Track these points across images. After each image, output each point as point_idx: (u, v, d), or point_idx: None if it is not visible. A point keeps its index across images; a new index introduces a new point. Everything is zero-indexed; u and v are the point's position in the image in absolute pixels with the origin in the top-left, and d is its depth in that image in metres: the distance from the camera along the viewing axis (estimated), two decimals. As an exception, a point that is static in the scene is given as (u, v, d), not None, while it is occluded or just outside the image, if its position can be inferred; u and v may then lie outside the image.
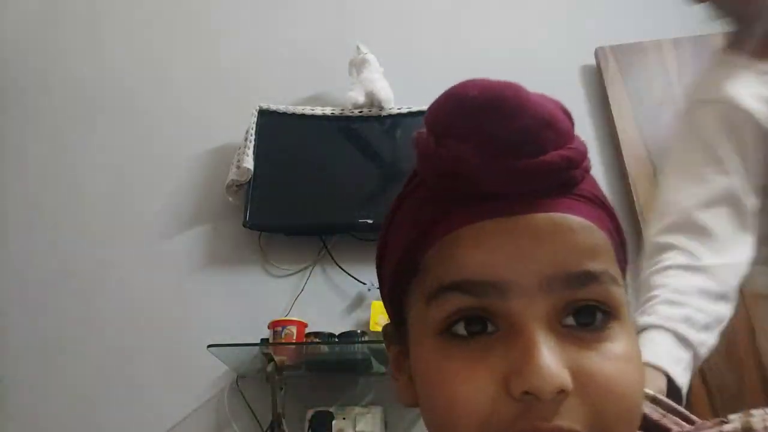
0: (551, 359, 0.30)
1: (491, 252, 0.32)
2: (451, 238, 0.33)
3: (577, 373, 0.30)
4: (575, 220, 0.33)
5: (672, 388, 0.68)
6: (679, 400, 0.65)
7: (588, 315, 0.32)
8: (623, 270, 0.37)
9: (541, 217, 0.33)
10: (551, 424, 0.30)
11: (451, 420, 0.31)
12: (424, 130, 0.36)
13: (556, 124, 0.33)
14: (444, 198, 0.35)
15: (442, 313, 0.33)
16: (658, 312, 0.74)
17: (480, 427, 0.30)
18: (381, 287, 0.42)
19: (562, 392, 0.29)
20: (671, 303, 0.74)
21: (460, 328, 0.32)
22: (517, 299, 0.31)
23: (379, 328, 1.41)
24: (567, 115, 0.36)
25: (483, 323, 0.32)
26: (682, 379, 0.69)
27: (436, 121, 0.34)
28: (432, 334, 0.33)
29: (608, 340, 0.32)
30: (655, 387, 0.66)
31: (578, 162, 0.34)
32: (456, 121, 0.33)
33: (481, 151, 0.32)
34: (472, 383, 0.31)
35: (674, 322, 0.72)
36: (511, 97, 0.32)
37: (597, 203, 0.35)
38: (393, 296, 0.39)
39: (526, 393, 0.29)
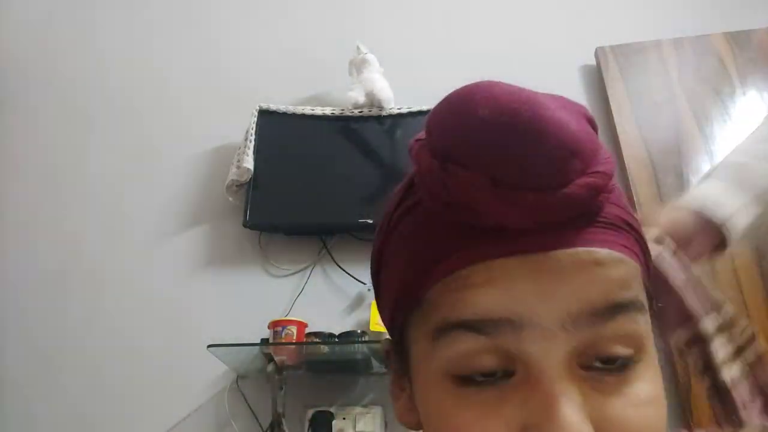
0: (574, 413, 0.27)
1: (507, 289, 0.28)
2: (462, 274, 0.29)
3: (599, 424, 0.28)
4: (602, 253, 0.29)
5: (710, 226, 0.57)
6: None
7: (611, 359, 0.29)
8: (649, 294, 0.33)
9: (563, 253, 0.29)
10: None
11: None
12: (422, 138, 0.32)
13: (583, 148, 0.29)
14: (449, 227, 0.30)
15: (452, 353, 0.30)
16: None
17: None
18: (378, 301, 0.39)
19: None
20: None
21: (474, 376, 0.29)
22: (534, 341, 0.28)
23: (380, 328, 1.41)
24: (591, 123, 0.32)
25: (498, 367, 0.29)
26: (724, 210, 0.57)
27: (440, 141, 0.30)
28: (441, 375, 0.30)
29: (633, 381, 0.30)
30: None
31: (604, 188, 0.29)
32: (464, 146, 0.29)
33: (494, 183, 0.28)
34: (489, 429, 0.28)
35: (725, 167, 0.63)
36: (529, 119, 0.28)
37: (624, 227, 0.31)
38: (393, 322, 0.35)
39: None
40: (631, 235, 0.32)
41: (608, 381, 0.29)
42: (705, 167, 1.71)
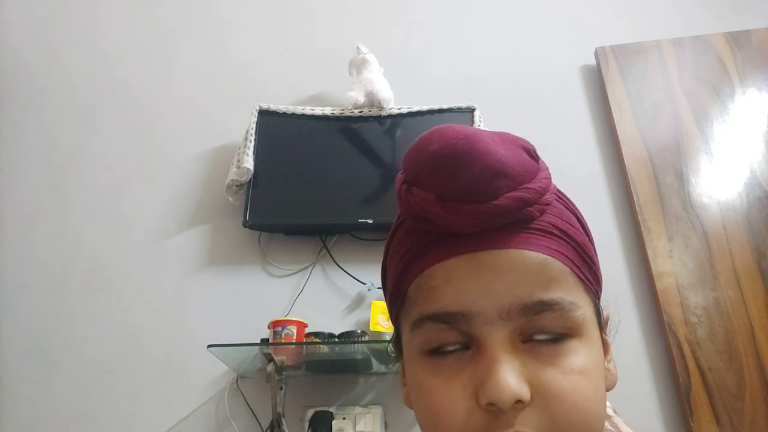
0: (509, 374, 0.35)
1: (459, 288, 0.37)
2: (427, 274, 0.39)
3: (536, 386, 0.35)
4: (530, 255, 0.37)
5: None
6: None
7: (549, 333, 0.37)
8: (592, 287, 0.41)
9: (499, 253, 0.37)
10: (517, 427, 0.34)
11: (435, 429, 0.37)
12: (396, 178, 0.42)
13: (507, 171, 0.37)
14: (420, 236, 0.40)
15: (423, 341, 0.39)
16: None
17: (457, 430, 0.36)
18: (386, 299, 0.47)
19: (519, 402, 0.34)
20: None
21: (441, 348, 0.38)
22: (481, 326, 0.36)
23: (380, 328, 1.42)
24: (529, 153, 0.40)
25: (461, 343, 0.38)
26: None
27: (407, 170, 0.40)
28: (418, 353, 0.39)
29: (566, 354, 0.37)
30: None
31: (533, 200, 0.38)
32: (420, 172, 0.38)
33: (440, 198, 0.37)
34: (449, 397, 0.36)
35: None
36: (464, 150, 0.37)
37: (556, 234, 0.39)
38: (391, 317, 0.45)
39: (490, 404, 0.34)
40: (564, 241, 0.40)
41: (544, 352, 0.37)
42: (705, 167, 1.71)
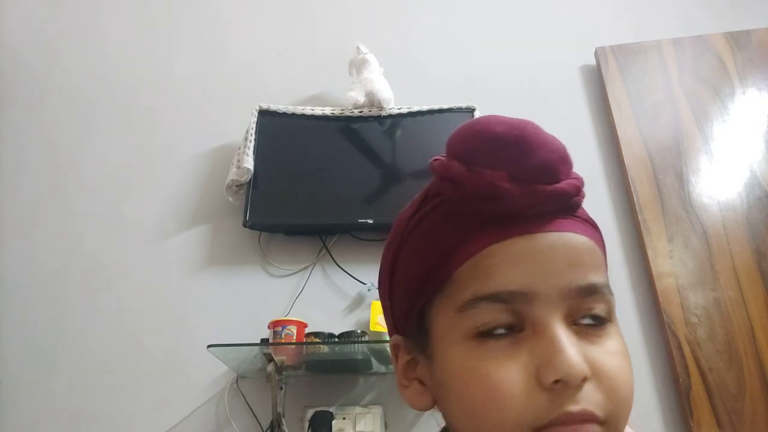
0: (575, 352, 0.35)
1: (521, 267, 0.37)
2: (484, 254, 0.38)
3: (590, 365, 0.36)
4: (580, 239, 0.39)
5: None
6: None
7: (593, 317, 0.39)
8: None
9: (557, 235, 0.39)
10: (580, 408, 0.35)
11: (491, 412, 0.36)
12: (440, 157, 0.42)
13: (567, 158, 0.40)
14: (469, 218, 0.40)
15: (478, 321, 0.37)
16: None
17: (518, 418, 0.35)
18: (391, 302, 0.46)
19: (584, 380, 0.35)
20: None
21: (492, 332, 0.37)
22: (542, 306, 0.37)
23: (380, 328, 1.41)
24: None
25: (511, 327, 0.37)
26: None
27: (466, 151, 0.40)
28: (464, 338, 0.38)
29: (607, 337, 0.39)
30: None
31: (580, 190, 0.40)
32: (487, 153, 0.39)
33: (510, 178, 0.38)
34: (508, 379, 0.36)
35: None
36: (533, 134, 0.39)
37: (591, 224, 0.42)
38: (411, 310, 0.43)
39: (556, 382, 0.35)
40: (596, 230, 0.42)
41: (591, 333, 0.38)
42: (705, 167, 1.71)
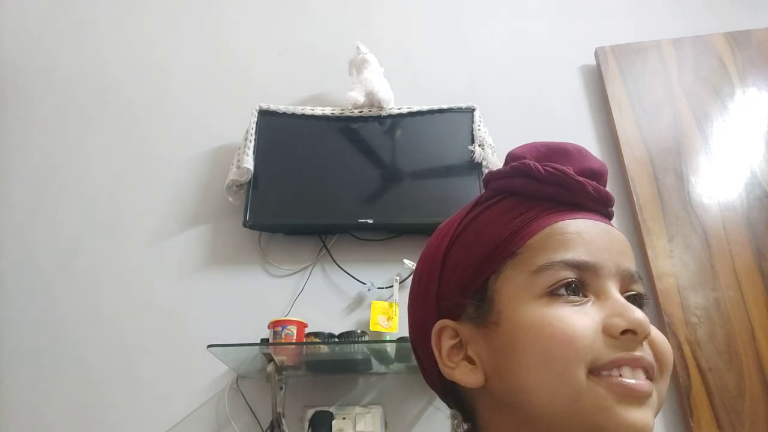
0: (641, 312, 0.41)
1: (590, 242, 0.44)
2: (559, 226, 0.45)
3: None
4: (623, 236, 0.48)
5: None
6: None
7: (635, 296, 0.46)
8: None
9: (609, 226, 0.47)
10: (645, 355, 0.41)
11: (567, 349, 0.40)
12: (495, 171, 0.50)
13: (607, 173, 0.51)
14: (541, 201, 0.47)
15: (552, 280, 0.42)
16: None
17: (586, 350, 0.40)
18: (440, 287, 0.49)
19: (647, 336, 0.41)
20: None
21: (562, 291, 0.42)
22: (606, 277, 0.43)
23: (380, 328, 1.42)
24: None
25: (577, 291, 0.43)
26: None
27: (539, 155, 0.49)
28: (536, 296, 0.43)
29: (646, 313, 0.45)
30: None
31: (614, 203, 0.50)
32: (556, 156, 0.49)
33: (577, 173, 0.47)
34: (581, 320, 0.41)
35: None
36: (585, 150, 0.50)
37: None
38: (472, 284, 0.47)
39: (624, 333, 0.40)
40: None
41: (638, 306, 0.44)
42: (705, 167, 1.71)
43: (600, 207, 0.48)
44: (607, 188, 0.49)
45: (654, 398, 0.40)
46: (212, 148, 1.82)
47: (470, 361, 0.46)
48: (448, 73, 1.95)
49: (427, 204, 1.62)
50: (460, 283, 0.47)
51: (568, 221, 0.45)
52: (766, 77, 1.82)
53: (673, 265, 1.58)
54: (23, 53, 2.04)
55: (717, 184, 1.68)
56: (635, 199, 1.67)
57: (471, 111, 1.75)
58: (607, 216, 0.49)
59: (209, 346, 1.33)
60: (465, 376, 0.46)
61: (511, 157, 0.50)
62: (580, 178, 0.47)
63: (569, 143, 0.49)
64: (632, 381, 0.39)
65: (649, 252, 1.60)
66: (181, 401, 1.48)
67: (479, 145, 1.68)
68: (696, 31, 1.96)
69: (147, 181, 1.79)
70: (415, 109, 1.75)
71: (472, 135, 1.71)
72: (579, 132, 1.85)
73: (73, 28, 2.08)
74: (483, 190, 0.52)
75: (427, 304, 0.50)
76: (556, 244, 0.44)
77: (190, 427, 1.46)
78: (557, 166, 0.47)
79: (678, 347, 1.47)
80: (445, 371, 0.47)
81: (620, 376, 0.40)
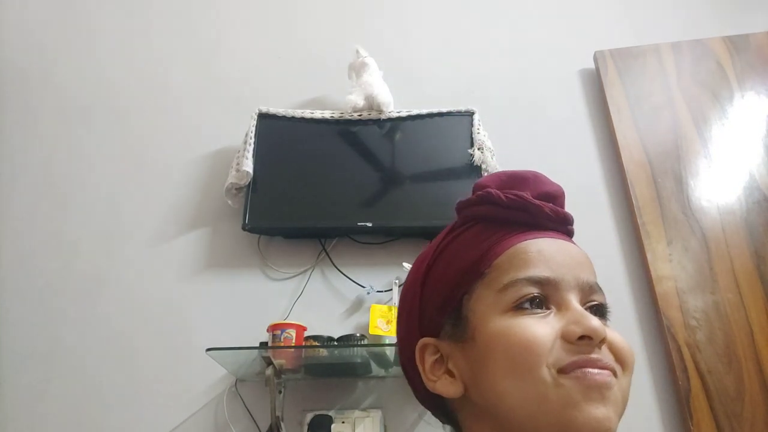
0: (597, 320, 0.45)
1: (550, 259, 0.48)
2: (521, 246, 0.49)
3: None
4: (582, 251, 0.51)
5: None
6: None
7: (596, 306, 0.49)
8: None
9: (568, 242, 0.51)
10: (601, 357, 0.44)
11: (529, 355, 0.43)
12: (465, 198, 0.55)
13: (564, 196, 0.55)
14: (504, 226, 0.51)
15: (517, 296, 0.46)
16: None
17: (546, 354, 0.43)
18: (422, 305, 0.53)
19: (603, 341, 0.44)
20: None
21: (526, 305, 0.46)
22: (565, 291, 0.47)
23: (379, 332, 1.41)
24: None
25: (540, 304, 0.46)
26: None
27: (500, 184, 0.54)
28: (504, 311, 0.47)
29: (608, 324, 0.49)
30: None
31: (573, 222, 0.54)
32: (515, 183, 0.53)
33: (535, 197, 0.51)
34: (541, 329, 0.44)
35: None
36: (542, 175, 0.54)
37: None
38: (447, 304, 0.51)
39: (581, 338, 0.43)
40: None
41: (597, 316, 0.48)
42: (704, 170, 1.71)
43: (559, 226, 0.52)
44: (571, 207, 0.54)
45: (617, 394, 0.44)
46: (211, 151, 1.83)
47: (450, 374, 0.50)
48: (448, 76, 1.95)
49: (427, 207, 1.62)
50: (438, 304, 0.51)
51: (529, 241, 0.49)
52: (764, 81, 1.83)
53: (672, 269, 1.58)
54: (23, 56, 2.04)
55: (716, 188, 1.68)
56: (634, 202, 1.67)
57: (470, 114, 1.75)
58: (567, 233, 0.53)
59: (208, 349, 1.33)
60: (446, 387, 0.50)
61: (477, 187, 0.55)
62: (538, 202, 0.51)
63: (528, 170, 0.54)
64: (595, 370, 0.43)
65: (648, 255, 1.60)
66: (179, 405, 1.48)
67: (478, 149, 1.68)
68: (695, 35, 1.96)
69: (146, 184, 1.79)
70: (414, 112, 1.75)
71: (472, 138, 1.71)
72: (578, 135, 1.85)
73: (73, 32, 2.08)
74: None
75: (411, 324, 0.54)
76: (519, 263, 0.48)
77: (188, 430, 1.46)
78: (517, 192, 0.51)
79: (677, 350, 1.47)
80: (429, 385, 0.51)
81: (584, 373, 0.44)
